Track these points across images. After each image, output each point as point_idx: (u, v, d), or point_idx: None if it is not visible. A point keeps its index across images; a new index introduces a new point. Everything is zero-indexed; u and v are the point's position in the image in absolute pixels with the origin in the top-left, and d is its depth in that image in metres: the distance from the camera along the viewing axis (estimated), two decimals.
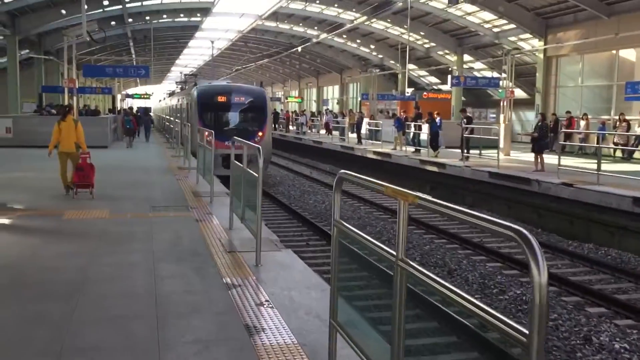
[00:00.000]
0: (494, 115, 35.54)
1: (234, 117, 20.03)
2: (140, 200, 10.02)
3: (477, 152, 19.67)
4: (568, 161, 18.12)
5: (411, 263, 2.65)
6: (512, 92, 20.84)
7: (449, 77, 21.78)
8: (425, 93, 34.93)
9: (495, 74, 30.36)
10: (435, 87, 40.28)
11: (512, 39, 27.59)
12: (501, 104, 21.09)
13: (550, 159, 15.78)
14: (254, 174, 5.88)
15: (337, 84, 52.05)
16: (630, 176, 12.96)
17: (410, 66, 39.51)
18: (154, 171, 15.00)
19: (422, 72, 41.33)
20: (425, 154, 21.01)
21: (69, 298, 4.79)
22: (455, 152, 22.13)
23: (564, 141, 21.89)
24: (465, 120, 19.27)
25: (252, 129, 19.41)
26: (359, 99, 39.26)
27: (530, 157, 20.65)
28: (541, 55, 24.34)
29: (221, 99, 19.80)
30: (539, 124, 16.04)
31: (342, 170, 3.53)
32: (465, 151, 19.23)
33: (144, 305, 4.67)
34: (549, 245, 12.35)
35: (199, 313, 4.50)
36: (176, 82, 38.89)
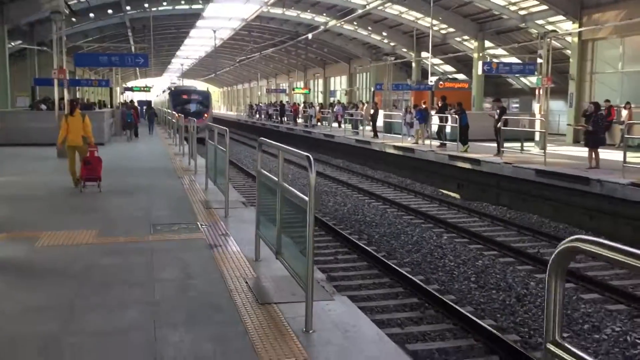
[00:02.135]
0: (517, 105, 33.58)
1: (191, 106, 33.22)
2: (138, 214, 8.12)
3: (513, 146, 17.78)
4: (614, 155, 16.22)
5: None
6: (550, 79, 18.87)
7: (480, 63, 19.81)
8: (441, 82, 32.96)
9: (515, 60, 28.36)
10: (450, 76, 38.27)
11: (540, 22, 25.54)
12: (536, 92, 19.12)
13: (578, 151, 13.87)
14: (304, 197, 3.99)
15: (345, 74, 49.98)
16: None
17: (425, 54, 37.49)
18: (156, 173, 13.09)
19: (437, 61, 39.25)
20: (452, 149, 19.10)
21: None
22: (484, 146, 20.20)
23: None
24: (499, 110, 17.30)
25: (200, 112, 31.59)
26: (372, 89, 37.21)
27: (570, 150, 18.80)
28: (575, 39, 22.30)
29: (184, 96, 34.56)
30: (592, 114, 14.08)
31: None
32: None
33: None
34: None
35: None
36: (162, 91, 50.37)
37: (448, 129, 20.52)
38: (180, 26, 44.06)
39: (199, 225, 7.34)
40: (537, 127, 18.90)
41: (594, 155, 13.80)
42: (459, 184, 18.39)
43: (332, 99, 48.91)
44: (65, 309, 4.40)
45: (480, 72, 20.02)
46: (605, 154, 14.31)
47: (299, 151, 4.11)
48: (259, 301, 4.54)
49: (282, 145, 4.70)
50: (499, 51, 31.45)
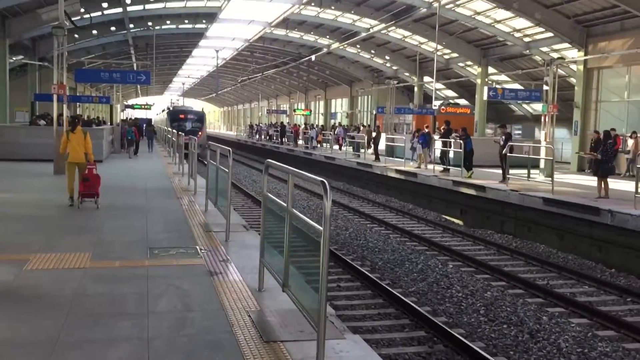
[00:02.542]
0: (519, 132, 33.40)
1: (187, 125, 36.11)
2: (135, 236, 7.73)
3: (518, 173, 17.49)
4: (621, 184, 15.91)
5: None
6: (555, 106, 18.63)
7: (485, 88, 19.56)
8: (443, 107, 32.79)
9: (518, 86, 28.19)
10: (452, 101, 38.14)
11: (545, 49, 25.43)
12: (542, 119, 18.86)
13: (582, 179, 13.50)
14: (317, 227, 3.63)
15: (346, 96, 49.91)
16: None
17: (427, 78, 37.43)
18: (155, 192, 12.72)
19: (439, 85, 39.15)
20: (456, 174, 18.80)
21: None
22: (489, 172, 19.91)
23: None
24: (504, 137, 17.03)
25: (195, 131, 33.84)
26: (374, 112, 37.04)
27: (576, 179, 18.49)
28: (581, 67, 22.14)
29: (181, 115, 37.81)
30: (601, 143, 13.79)
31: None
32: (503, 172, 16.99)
33: None
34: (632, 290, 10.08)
35: None
36: (162, 110, 54.64)
37: (451, 154, 20.25)
38: (182, 45, 44.05)
39: (199, 250, 6.96)
40: (543, 154, 18.58)
41: (602, 185, 13.48)
42: (462, 210, 18.05)
43: (332, 121, 48.78)
44: (46, 345, 3.99)
45: (485, 97, 19.79)
46: (612, 183, 14.00)
47: (313, 176, 3.76)
48: (263, 338, 4.15)
49: (293, 169, 4.36)
50: (502, 77, 31.35)
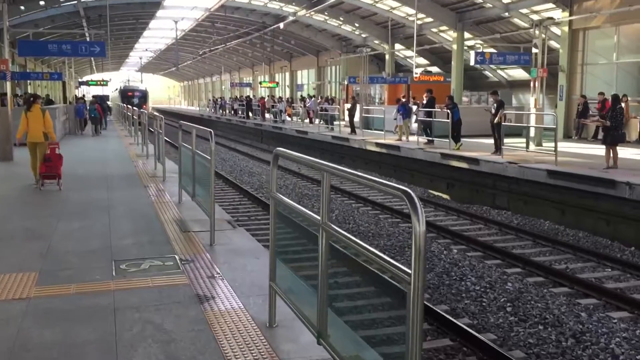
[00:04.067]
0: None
1: (134, 100, 46.40)
2: (95, 243, 6.20)
3: (508, 142, 16.35)
4: (622, 152, 14.90)
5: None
6: (546, 70, 17.49)
7: (472, 53, 18.24)
8: (415, 75, 31.47)
9: (493, 51, 27.00)
10: (424, 69, 36.85)
11: (524, 11, 24.23)
12: (532, 85, 17.71)
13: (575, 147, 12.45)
14: (397, 266, 2.22)
15: (312, 67, 48.10)
16: None
17: (398, 46, 35.99)
18: (118, 181, 11.09)
19: (409, 53, 37.78)
20: (441, 146, 17.62)
21: None
22: (477, 142, 18.80)
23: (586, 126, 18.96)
24: (496, 104, 15.83)
25: (140, 104, 43.07)
26: (345, 82, 35.46)
27: (567, 147, 17.44)
28: (565, 28, 21.03)
29: (129, 93, 51.38)
30: (609, 108, 12.69)
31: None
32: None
33: None
34: None
35: None
36: (115, 89, 62.79)
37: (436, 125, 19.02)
38: (139, 16, 41.37)
39: (178, 261, 5.49)
40: (533, 121, 17.50)
41: (611, 154, 12.41)
42: (448, 184, 16.93)
43: (299, 93, 47.06)
44: None
45: (472, 62, 18.51)
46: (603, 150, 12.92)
47: (384, 181, 2.36)
48: None
49: (328, 164, 2.94)
50: (478, 42, 30.11)
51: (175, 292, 4.63)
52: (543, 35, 17.39)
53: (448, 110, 17.06)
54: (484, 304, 7.88)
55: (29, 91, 40.12)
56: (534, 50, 17.47)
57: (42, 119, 10.19)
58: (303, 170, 19.53)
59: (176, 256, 5.65)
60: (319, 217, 3.04)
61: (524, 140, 18.30)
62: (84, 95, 40.01)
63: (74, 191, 9.72)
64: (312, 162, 3.18)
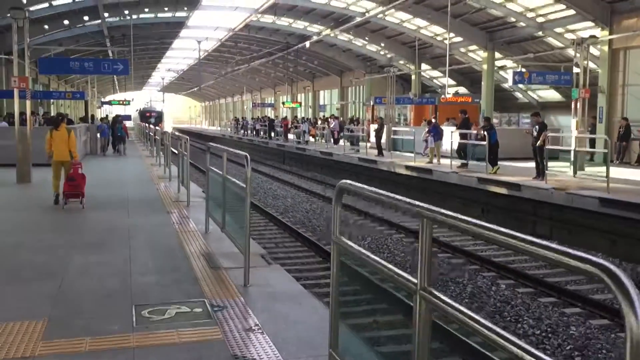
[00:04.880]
0: (529, 121, 31.39)
1: (151, 120, 49.88)
2: (113, 283, 5.44)
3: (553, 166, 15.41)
4: None
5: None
6: (588, 90, 16.59)
7: (511, 72, 17.43)
8: (443, 97, 30.69)
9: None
10: (453, 91, 36.07)
11: (559, 30, 23.40)
12: (573, 106, 16.79)
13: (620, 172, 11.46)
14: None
15: (335, 87, 47.60)
16: None
17: (424, 66, 35.30)
18: (138, 205, 10.39)
19: (436, 73, 37.09)
20: (476, 169, 16.77)
21: None
22: (514, 166, 17.89)
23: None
24: (537, 126, 14.94)
25: (157, 123, 46.27)
26: (370, 102, 34.73)
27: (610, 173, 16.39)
28: (605, 48, 20.13)
29: (147, 114, 56.86)
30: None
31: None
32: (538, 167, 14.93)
33: None
34: None
35: None
36: (135, 110, 65.52)
37: (472, 148, 18.19)
38: (162, 36, 41.34)
39: (209, 307, 4.70)
40: (573, 145, 16.54)
41: None
42: (483, 209, 16.01)
43: (321, 114, 46.49)
44: None
45: (510, 82, 17.69)
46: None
47: (574, 251, 1.55)
48: None
49: (430, 207, 2.14)
50: (509, 63, 29.32)
51: (208, 350, 3.83)
52: (585, 54, 16.47)
53: (485, 132, 16.20)
54: (547, 351, 6.96)
55: (52, 111, 40.13)
56: (575, 70, 16.58)
57: (68, 138, 10.34)
58: (358, 204, 16.46)
59: (206, 300, 4.86)
60: (414, 280, 2.23)
61: (561, 164, 17.39)
62: (107, 116, 39.80)
63: (93, 218, 9.03)
64: (401, 203, 2.38)
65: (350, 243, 2.95)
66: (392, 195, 2.74)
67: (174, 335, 4.10)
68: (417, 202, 2.32)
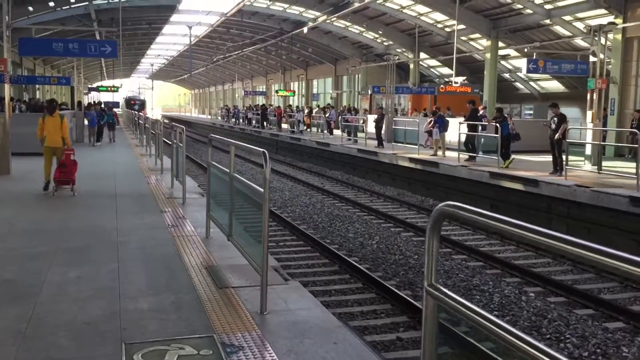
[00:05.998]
0: (531, 112, 30.56)
1: (136, 107, 58.07)
2: (98, 307, 4.41)
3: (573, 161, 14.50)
4: None
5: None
6: (605, 81, 15.68)
7: (525, 60, 16.45)
8: (442, 86, 29.77)
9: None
10: (447, 80, 35.13)
11: (567, 18, 22.46)
12: (589, 97, 15.87)
13: None
14: None
15: (329, 76, 46.46)
16: None
17: (423, 55, 34.28)
18: (128, 203, 9.32)
19: (434, 62, 36.12)
20: (485, 163, 15.88)
21: None
22: (527, 160, 16.99)
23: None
24: (556, 118, 14.01)
25: (140, 110, 52.58)
26: (369, 92, 33.72)
27: (623, 168, 15.55)
28: (619, 37, 19.21)
29: (132, 102, 65.85)
30: None
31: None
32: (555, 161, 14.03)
33: None
34: None
35: None
36: (122, 98, 70.13)
37: (482, 140, 17.29)
38: (152, 21, 39.89)
39: (219, 347, 3.69)
40: (589, 138, 15.67)
41: None
42: (492, 205, 15.11)
43: (314, 103, 45.38)
44: None
45: (525, 71, 16.69)
46: None
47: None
48: None
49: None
50: (511, 52, 28.36)
51: None
52: (602, 43, 15.54)
53: (497, 124, 15.25)
54: None
55: (38, 97, 38.69)
56: (592, 59, 15.65)
57: (61, 125, 10.21)
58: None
59: (215, 336, 3.85)
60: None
61: (574, 158, 16.51)
62: (99, 102, 38.29)
63: (76, 218, 7.97)
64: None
65: (456, 297, 1.95)
66: (528, 225, 1.75)
67: None
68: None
